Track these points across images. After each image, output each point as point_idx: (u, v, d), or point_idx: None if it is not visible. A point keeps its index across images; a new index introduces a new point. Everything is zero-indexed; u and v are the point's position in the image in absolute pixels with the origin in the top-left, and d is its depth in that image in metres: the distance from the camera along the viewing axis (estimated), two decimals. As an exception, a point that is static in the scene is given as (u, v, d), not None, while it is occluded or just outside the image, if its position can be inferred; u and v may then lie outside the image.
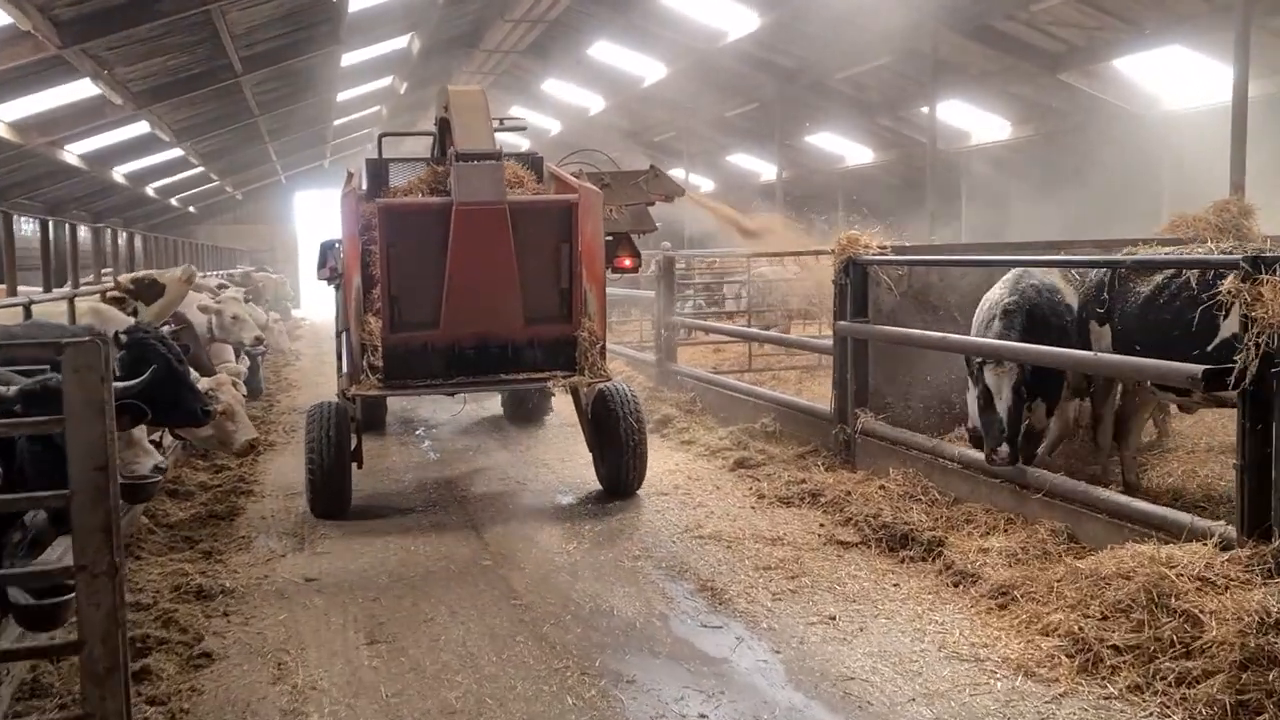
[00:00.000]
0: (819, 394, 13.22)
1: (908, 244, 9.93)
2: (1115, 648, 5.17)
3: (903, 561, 7.05)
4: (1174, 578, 5.36)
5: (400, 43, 27.48)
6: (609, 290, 18.51)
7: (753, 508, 8.65)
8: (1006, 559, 6.66)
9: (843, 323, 9.70)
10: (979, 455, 8.07)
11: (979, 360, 7.48)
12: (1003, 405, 7.26)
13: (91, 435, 3.29)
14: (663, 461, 10.41)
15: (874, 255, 9.54)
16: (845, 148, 31.25)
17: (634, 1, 25.64)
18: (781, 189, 29.56)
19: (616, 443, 9.04)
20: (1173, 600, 5.23)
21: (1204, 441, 9.45)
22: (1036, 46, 21.38)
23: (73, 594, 3.69)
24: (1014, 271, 7.84)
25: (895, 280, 9.67)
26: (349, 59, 24.82)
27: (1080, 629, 5.33)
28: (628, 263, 10.10)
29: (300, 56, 20.39)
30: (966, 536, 7.23)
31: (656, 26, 26.50)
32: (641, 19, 26.35)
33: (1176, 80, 20.47)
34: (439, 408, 13.83)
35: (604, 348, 8.85)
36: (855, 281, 9.62)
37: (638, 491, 9.22)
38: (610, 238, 9.49)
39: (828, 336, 16.82)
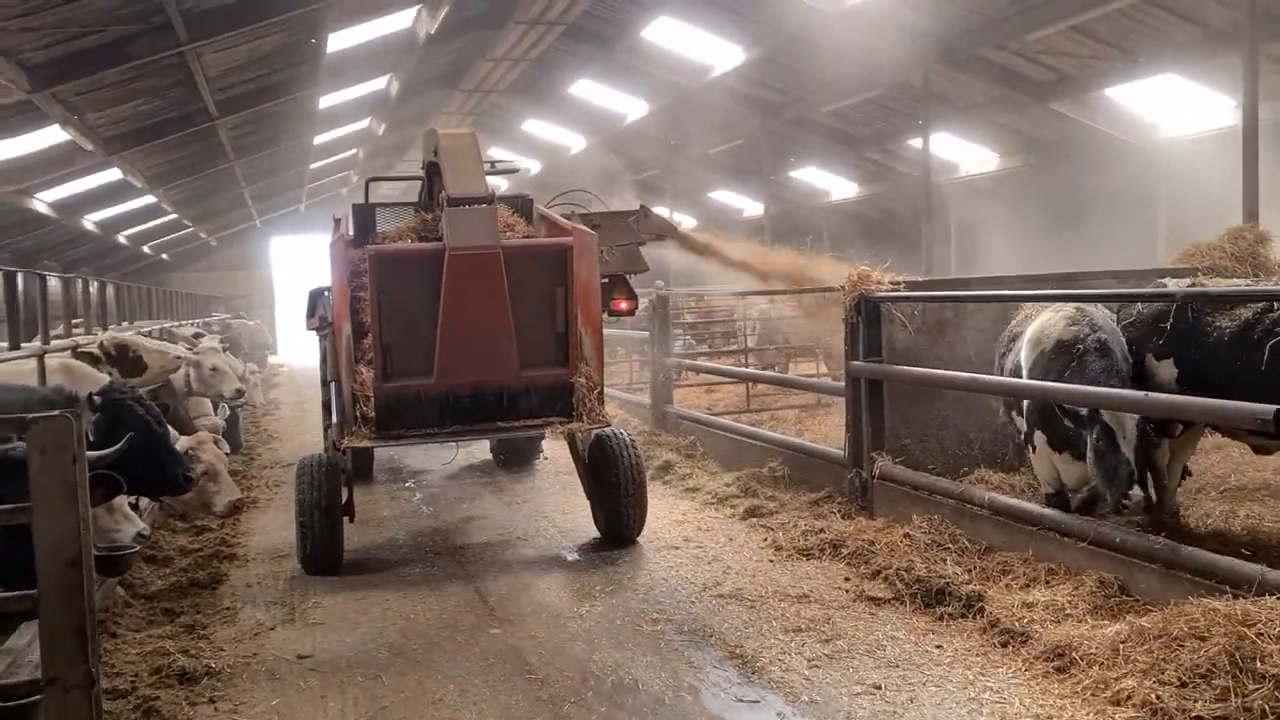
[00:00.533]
0: (821, 434, 12.89)
1: (919, 279, 9.54)
2: (1200, 719, 4.73)
3: (941, 619, 6.59)
4: (1254, 638, 4.92)
5: (379, 83, 27.20)
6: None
7: (771, 561, 8.18)
8: (1054, 614, 6.23)
9: (856, 363, 9.29)
10: (1012, 501, 7.67)
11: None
12: (1128, 446, 6.49)
13: (63, 527, 2.81)
14: (668, 511, 9.95)
15: (887, 292, 9.17)
16: (831, 182, 31.07)
17: (617, 38, 25.45)
18: (767, 224, 29.32)
19: (615, 490, 8.79)
20: (1258, 664, 4.80)
21: (1233, 479, 9.05)
22: (1028, 76, 21.19)
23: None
24: (1070, 306, 7.32)
25: (909, 317, 9.31)
26: (326, 101, 24.50)
27: (1158, 698, 4.88)
28: (624, 305, 9.83)
29: (278, 99, 20.04)
30: (1006, 589, 6.80)
31: (640, 63, 26.30)
32: (625, 56, 26.13)
33: (1172, 108, 20.31)
34: (428, 455, 13.38)
35: (601, 393, 8.59)
36: (868, 319, 9.23)
37: (639, 540, 8.88)
38: (605, 280, 9.31)
39: (825, 375, 16.56)
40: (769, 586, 7.45)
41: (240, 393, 11.87)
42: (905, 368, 8.99)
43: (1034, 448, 7.59)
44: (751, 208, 34.92)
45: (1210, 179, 18.34)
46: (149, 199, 24.88)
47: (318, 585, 8.05)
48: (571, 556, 8.78)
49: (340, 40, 19.03)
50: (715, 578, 7.76)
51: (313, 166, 33.44)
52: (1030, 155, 23.80)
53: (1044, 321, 7.40)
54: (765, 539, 8.77)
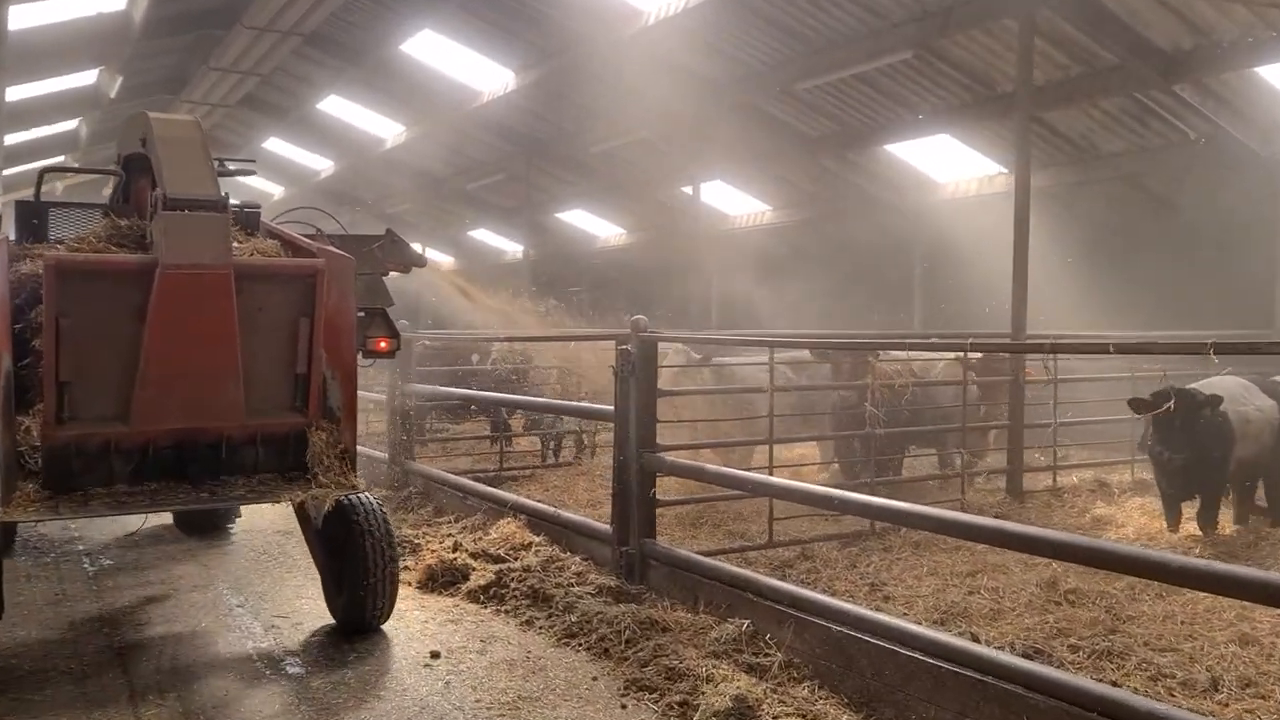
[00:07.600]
0: (928, 610, 5.14)
1: None
2: None
3: None
4: None
5: (88, 78, 17.58)
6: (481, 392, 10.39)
7: None
8: None
9: None
10: None
11: None
12: None
13: None
14: None
15: None
16: (599, 225, 23.46)
17: (371, 51, 16.90)
18: (530, 268, 22.01)
19: (361, 567, 5.18)
20: None
21: None
22: (802, 130, 15.40)
23: None
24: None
25: None
26: (16, 93, 14.69)
27: None
28: (384, 345, 5.90)
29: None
30: None
31: (398, 83, 17.87)
32: (381, 72, 17.61)
33: (944, 167, 15.10)
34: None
35: (350, 452, 4.96)
36: None
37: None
38: (361, 314, 5.48)
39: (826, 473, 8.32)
40: None
41: None
42: None
43: None
44: (514, 249, 26.93)
45: (969, 240, 13.62)
46: None
47: None
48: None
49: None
50: None
51: (9, 141, 19.25)
52: (802, 209, 18.07)
53: None
54: None
